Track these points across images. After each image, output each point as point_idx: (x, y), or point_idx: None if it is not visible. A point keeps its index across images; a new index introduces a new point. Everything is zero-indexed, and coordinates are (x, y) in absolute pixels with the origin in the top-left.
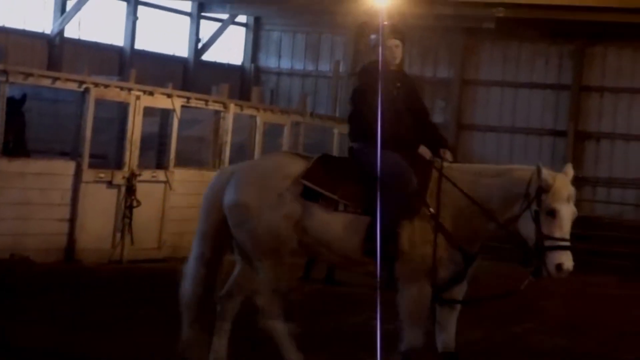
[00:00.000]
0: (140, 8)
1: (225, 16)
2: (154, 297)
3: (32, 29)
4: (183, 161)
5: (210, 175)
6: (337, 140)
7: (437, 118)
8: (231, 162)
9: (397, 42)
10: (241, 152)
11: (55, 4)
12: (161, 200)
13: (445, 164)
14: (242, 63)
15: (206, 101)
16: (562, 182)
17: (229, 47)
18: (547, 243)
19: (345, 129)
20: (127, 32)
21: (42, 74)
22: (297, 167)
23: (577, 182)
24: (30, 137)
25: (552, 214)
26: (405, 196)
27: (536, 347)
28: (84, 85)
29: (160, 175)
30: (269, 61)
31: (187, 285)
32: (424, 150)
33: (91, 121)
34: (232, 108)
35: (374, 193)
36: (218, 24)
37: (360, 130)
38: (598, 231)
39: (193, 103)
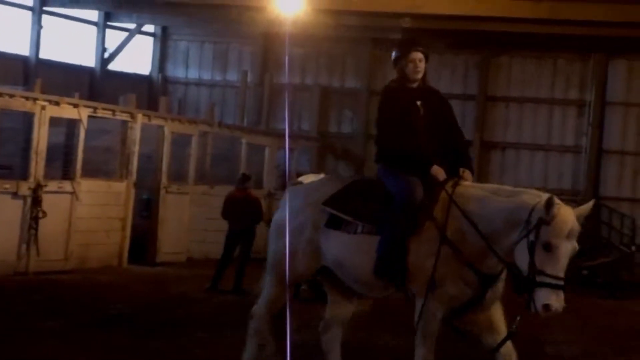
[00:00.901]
0: (45, 17)
1: (132, 26)
2: (60, 309)
3: None
4: (90, 172)
5: (118, 186)
6: (245, 150)
7: (346, 128)
8: (139, 172)
9: (421, 55)
10: (149, 162)
11: None
12: (68, 211)
13: (464, 183)
14: (150, 73)
15: (113, 111)
16: (566, 216)
17: (136, 57)
18: (539, 279)
19: (253, 138)
20: (32, 42)
21: None
22: (326, 191)
23: None
24: None
25: (548, 248)
26: (410, 213)
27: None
28: None
29: (67, 186)
30: (176, 71)
31: (258, 305)
32: (436, 170)
33: None
34: (140, 118)
35: (384, 212)
36: (125, 34)
37: (380, 152)
38: None
39: (100, 113)
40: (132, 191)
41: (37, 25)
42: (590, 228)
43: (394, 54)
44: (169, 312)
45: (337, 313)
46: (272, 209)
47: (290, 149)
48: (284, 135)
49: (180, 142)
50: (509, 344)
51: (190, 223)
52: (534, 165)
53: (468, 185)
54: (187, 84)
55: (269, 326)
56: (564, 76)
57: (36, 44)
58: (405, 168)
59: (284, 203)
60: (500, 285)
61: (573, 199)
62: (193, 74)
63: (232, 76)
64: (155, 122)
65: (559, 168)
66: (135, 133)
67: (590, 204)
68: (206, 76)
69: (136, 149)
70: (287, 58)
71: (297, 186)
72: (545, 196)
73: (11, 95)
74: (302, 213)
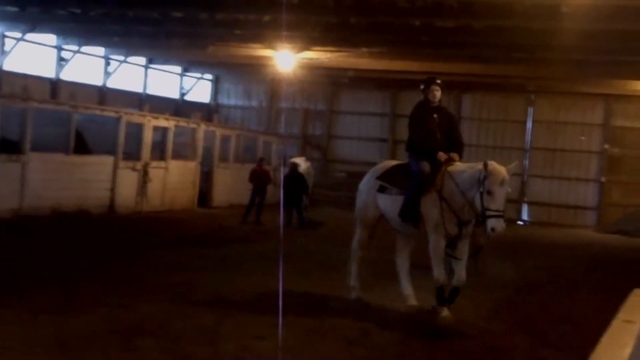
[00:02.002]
0: (150, 71)
1: (198, 75)
2: (159, 231)
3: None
4: (175, 156)
5: (190, 164)
6: (261, 144)
7: (317, 131)
8: (202, 156)
9: (438, 87)
10: (208, 151)
11: (104, 66)
12: (163, 178)
13: (454, 163)
14: (209, 101)
15: (188, 122)
16: (498, 171)
17: (201, 92)
18: (487, 213)
19: (266, 138)
20: (144, 84)
21: (96, 107)
22: (381, 170)
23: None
24: (90, 142)
25: (490, 193)
26: (421, 183)
27: (373, 260)
28: (119, 114)
29: (162, 164)
30: (223, 100)
31: (355, 240)
32: (440, 155)
33: (124, 133)
34: (202, 126)
35: (407, 182)
36: (194, 80)
37: (408, 144)
38: None
39: (181, 123)
40: (198, 167)
41: (146, 75)
42: None
43: (422, 86)
44: (219, 234)
45: (403, 245)
46: (277, 176)
47: (286, 144)
48: (283, 136)
49: (225, 140)
50: (462, 270)
51: (230, 184)
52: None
53: (456, 164)
54: (229, 107)
55: (356, 254)
56: None
57: (145, 85)
58: (422, 154)
59: (366, 177)
60: (469, 228)
61: None
62: (232, 102)
63: (254, 103)
64: (211, 128)
65: None
66: (200, 134)
67: (516, 163)
68: (240, 103)
69: (200, 143)
70: (285, 93)
71: (374, 167)
72: (486, 162)
73: (132, 114)
74: (370, 181)
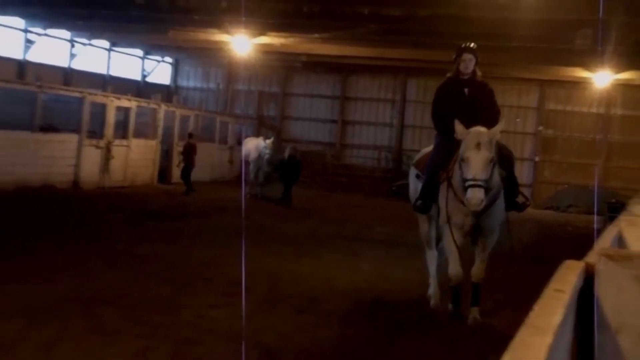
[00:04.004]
0: (113, 54)
1: (159, 58)
2: (121, 206)
3: (54, 63)
4: (137, 135)
5: (151, 143)
6: (218, 124)
7: (272, 112)
8: (162, 135)
9: (470, 56)
10: (167, 131)
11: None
12: (125, 155)
13: None
14: (169, 83)
15: (149, 103)
16: (473, 134)
17: (162, 75)
18: (465, 184)
19: (223, 118)
20: (107, 66)
21: (61, 88)
22: (419, 154)
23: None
24: (55, 121)
25: (464, 159)
26: (433, 166)
27: (321, 234)
28: (83, 94)
29: (125, 142)
30: (182, 82)
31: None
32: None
33: (88, 113)
34: (163, 107)
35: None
36: (155, 62)
37: (434, 125)
38: (354, 171)
39: (142, 104)
40: (159, 145)
41: (109, 58)
42: (397, 165)
43: (454, 56)
44: (178, 209)
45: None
46: (233, 155)
47: (242, 124)
48: (239, 117)
49: (184, 120)
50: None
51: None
52: (369, 132)
53: None
54: (188, 89)
55: (430, 255)
56: (385, 86)
57: (108, 67)
58: (442, 132)
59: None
60: (491, 219)
61: (389, 151)
62: (192, 84)
63: (212, 85)
64: (171, 109)
65: (382, 134)
66: (161, 115)
67: (501, 123)
68: (198, 85)
69: (161, 123)
70: (241, 76)
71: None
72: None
73: (96, 95)
74: (411, 170)
